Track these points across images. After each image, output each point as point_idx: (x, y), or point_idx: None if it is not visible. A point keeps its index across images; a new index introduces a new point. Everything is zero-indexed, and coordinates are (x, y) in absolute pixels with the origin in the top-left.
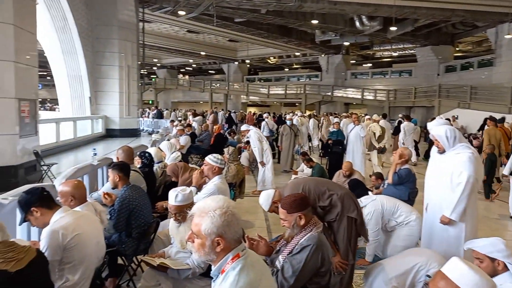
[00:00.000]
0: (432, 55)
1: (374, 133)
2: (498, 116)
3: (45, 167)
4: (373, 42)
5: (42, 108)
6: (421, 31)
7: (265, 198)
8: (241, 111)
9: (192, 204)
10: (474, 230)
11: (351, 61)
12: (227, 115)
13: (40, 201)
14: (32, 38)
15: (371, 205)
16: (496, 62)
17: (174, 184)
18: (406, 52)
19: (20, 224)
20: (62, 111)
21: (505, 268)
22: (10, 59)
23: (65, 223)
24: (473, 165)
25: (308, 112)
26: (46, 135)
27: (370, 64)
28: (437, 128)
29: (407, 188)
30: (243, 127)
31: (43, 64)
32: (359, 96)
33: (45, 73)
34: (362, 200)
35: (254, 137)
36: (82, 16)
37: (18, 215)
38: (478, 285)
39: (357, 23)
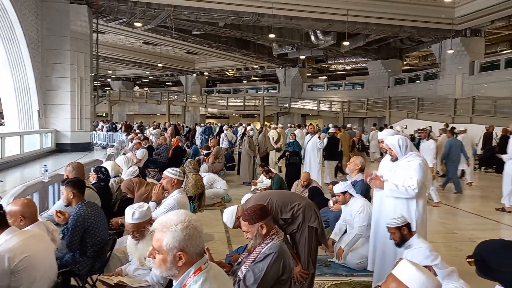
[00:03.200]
0: (382, 69)
1: (273, 138)
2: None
3: None
4: (328, 55)
5: None
6: (372, 46)
7: (229, 216)
8: (178, 122)
9: (150, 220)
10: (424, 234)
11: (307, 74)
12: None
13: None
14: None
15: (362, 200)
16: (440, 75)
17: (131, 200)
18: (359, 65)
19: None
20: (7, 125)
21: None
22: None
23: (11, 246)
24: (422, 171)
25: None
26: None
27: (325, 77)
28: (390, 137)
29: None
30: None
31: None
32: (315, 108)
33: None
34: (354, 194)
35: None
36: (31, 26)
37: None
38: (425, 285)
39: (312, 38)
